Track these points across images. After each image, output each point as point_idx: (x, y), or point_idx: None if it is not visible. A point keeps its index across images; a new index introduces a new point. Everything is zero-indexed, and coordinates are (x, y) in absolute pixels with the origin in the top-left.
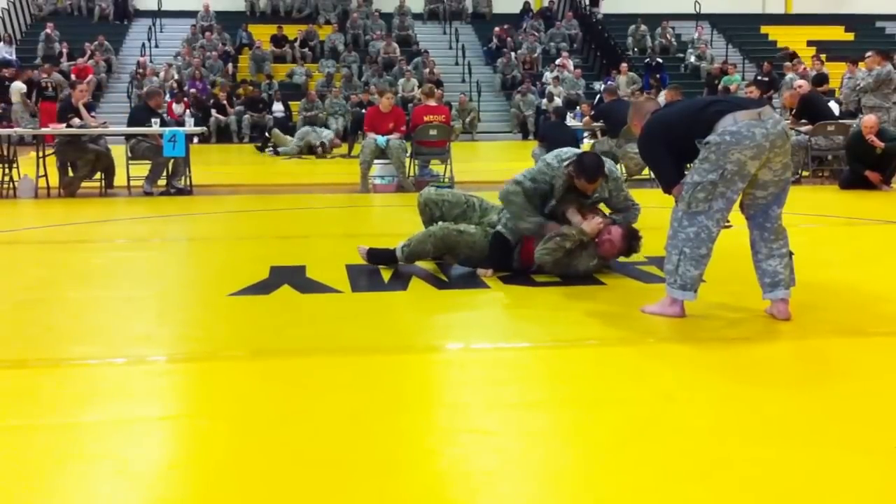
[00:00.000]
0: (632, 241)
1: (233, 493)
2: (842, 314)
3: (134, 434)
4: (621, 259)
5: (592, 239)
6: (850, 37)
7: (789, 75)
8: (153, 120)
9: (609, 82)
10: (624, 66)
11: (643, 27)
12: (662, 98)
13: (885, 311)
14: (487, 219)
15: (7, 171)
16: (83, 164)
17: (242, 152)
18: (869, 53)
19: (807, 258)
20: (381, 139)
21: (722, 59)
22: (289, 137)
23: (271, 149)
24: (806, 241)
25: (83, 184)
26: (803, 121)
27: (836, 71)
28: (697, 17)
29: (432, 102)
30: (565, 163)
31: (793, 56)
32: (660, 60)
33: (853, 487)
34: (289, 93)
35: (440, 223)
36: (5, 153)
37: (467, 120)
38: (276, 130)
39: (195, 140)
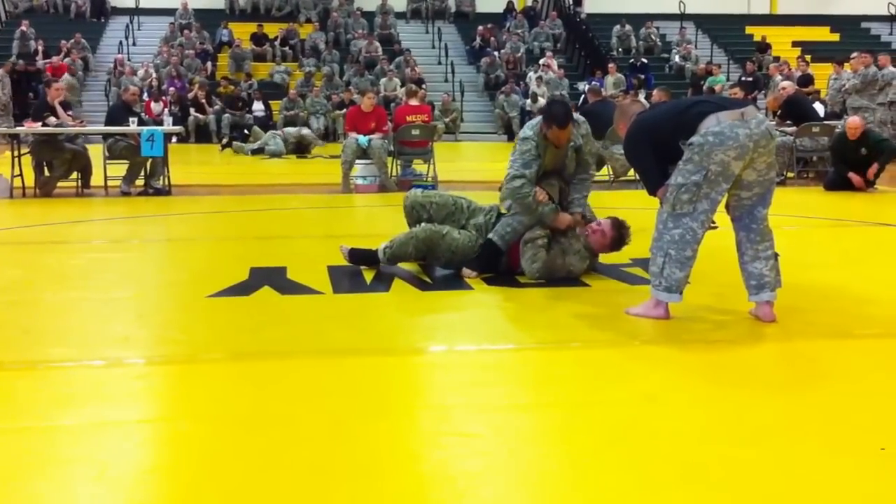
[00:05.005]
0: (621, 229)
1: (212, 497)
2: (827, 316)
3: (112, 437)
4: (607, 261)
5: (567, 231)
6: (836, 37)
7: (777, 77)
8: (131, 119)
9: (593, 83)
10: (612, 66)
11: (627, 27)
12: (643, 97)
13: (871, 313)
14: (474, 220)
15: None
16: (59, 163)
17: (222, 152)
18: (854, 54)
19: (792, 260)
20: (362, 139)
21: (707, 60)
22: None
23: (227, 143)
24: (791, 243)
25: (59, 184)
26: (788, 122)
27: (822, 72)
28: (682, 17)
29: (414, 102)
30: (536, 126)
31: (765, 48)
32: (644, 61)
33: (837, 490)
34: (269, 92)
35: (423, 224)
36: None
37: (448, 120)
38: (255, 128)
39: (173, 139)
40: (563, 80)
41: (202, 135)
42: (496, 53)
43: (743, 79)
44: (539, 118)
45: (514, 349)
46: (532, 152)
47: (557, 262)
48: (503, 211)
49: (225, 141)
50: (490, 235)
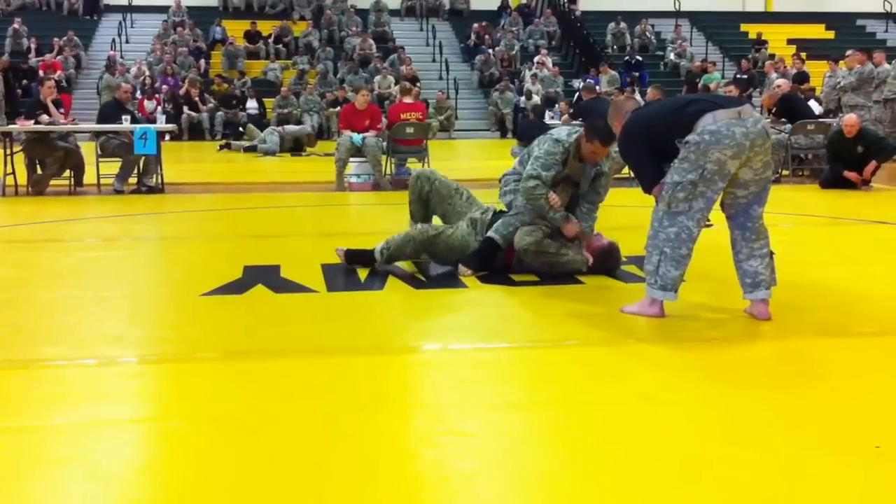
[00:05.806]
0: (611, 248)
1: (206, 496)
2: (822, 314)
3: (105, 436)
4: None
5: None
6: (831, 35)
7: (772, 74)
8: (123, 117)
9: (588, 80)
10: (605, 65)
11: (622, 24)
12: (637, 95)
13: (866, 311)
14: (469, 213)
15: None
16: (52, 161)
17: (215, 150)
18: (849, 52)
19: (787, 258)
20: (356, 137)
21: (702, 57)
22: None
23: (225, 144)
24: (786, 241)
25: (52, 182)
26: (783, 120)
27: (817, 69)
28: (677, 14)
29: (409, 100)
30: (575, 135)
31: (761, 44)
32: (639, 58)
33: (832, 488)
34: (262, 90)
35: (419, 226)
36: None
37: (442, 117)
38: (250, 126)
39: (167, 137)
40: (557, 77)
41: (195, 133)
42: (490, 51)
43: (738, 76)
44: (575, 129)
45: (509, 347)
46: (558, 157)
47: (551, 249)
48: (501, 208)
49: (224, 142)
50: (490, 233)
